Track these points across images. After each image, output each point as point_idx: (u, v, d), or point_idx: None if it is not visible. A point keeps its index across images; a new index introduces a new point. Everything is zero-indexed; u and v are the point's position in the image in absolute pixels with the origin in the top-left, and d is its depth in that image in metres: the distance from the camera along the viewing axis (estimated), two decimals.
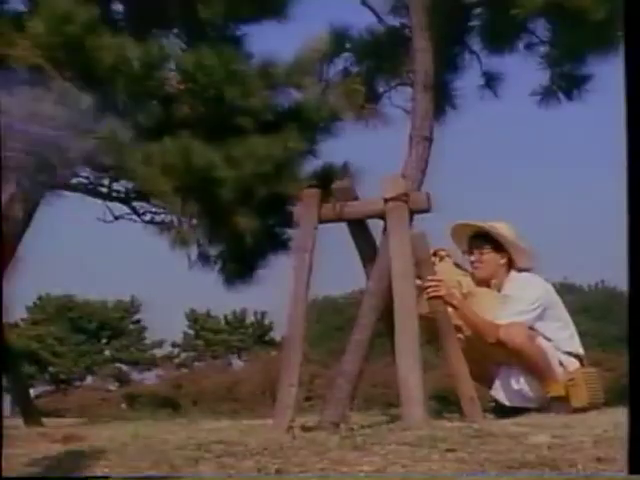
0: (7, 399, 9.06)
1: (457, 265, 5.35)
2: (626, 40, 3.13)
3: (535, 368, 5.06)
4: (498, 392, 5.23)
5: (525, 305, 5.14)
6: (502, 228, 5.34)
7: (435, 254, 5.24)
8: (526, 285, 5.24)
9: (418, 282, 4.93)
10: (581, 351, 5.26)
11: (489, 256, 5.30)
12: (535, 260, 5.36)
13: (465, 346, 5.01)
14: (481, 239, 5.33)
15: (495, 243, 5.30)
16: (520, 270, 5.31)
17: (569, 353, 5.21)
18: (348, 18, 7.13)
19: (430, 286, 4.92)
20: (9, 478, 3.60)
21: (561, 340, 5.19)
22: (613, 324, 36.53)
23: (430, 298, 4.92)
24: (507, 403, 5.17)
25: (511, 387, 5.18)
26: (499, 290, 5.30)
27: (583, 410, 5.01)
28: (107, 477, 3.66)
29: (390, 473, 3.47)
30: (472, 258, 5.34)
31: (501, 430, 4.11)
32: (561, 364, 5.14)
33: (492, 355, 5.15)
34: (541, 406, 5.09)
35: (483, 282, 5.34)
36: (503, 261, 5.31)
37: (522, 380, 5.14)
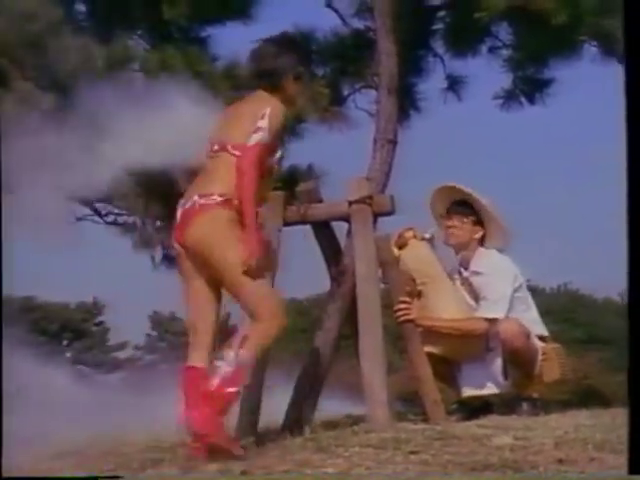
0: None
1: (424, 239, 5.20)
2: (626, 40, 3.17)
3: (525, 366, 5.07)
4: (466, 383, 5.22)
5: (504, 287, 5.09)
6: (487, 201, 5.27)
7: (400, 236, 5.19)
8: (500, 264, 5.19)
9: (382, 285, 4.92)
10: (545, 332, 5.27)
11: (467, 225, 5.22)
12: (510, 241, 5.30)
13: (435, 346, 5.03)
14: (463, 207, 5.24)
15: (476, 215, 5.23)
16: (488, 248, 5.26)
17: (537, 337, 5.22)
18: (313, 20, 7.16)
19: (400, 309, 4.84)
20: (9, 478, 3.58)
21: (529, 324, 5.18)
22: (576, 327, 36.85)
23: (401, 322, 4.85)
24: (475, 391, 5.16)
25: (480, 373, 5.15)
26: (466, 264, 5.27)
27: (555, 383, 5.10)
28: (108, 477, 3.67)
29: (354, 475, 3.48)
30: (449, 223, 5.24)
31: (464, 432, 4.13)
32: None
33: (464, 352, 5.16)
34: (508, 392, 5.11)
35: (455, 249, 5.28)
36: (478, 235, 5.24)
37: (494, 364, 5.12)
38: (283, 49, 4.26)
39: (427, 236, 5.22)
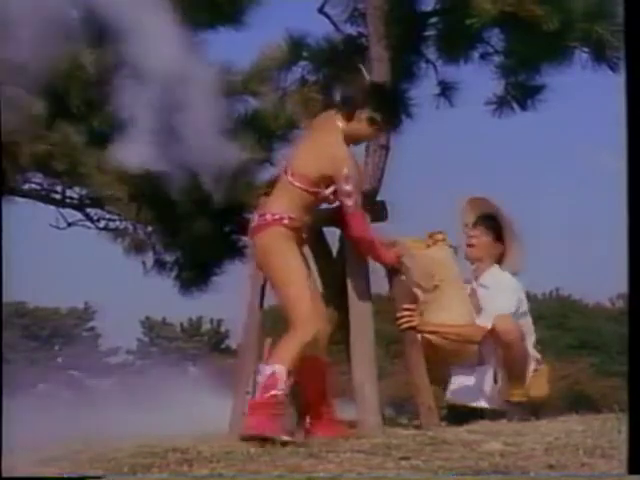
0: None
1: (451, 246, 5.31)
2: (626, 42, 3.18)
3: (516, 367, 5.11)
4: (455, 392, 5.26)
5: (507, 303, 5.17)
6: (512, 221, 5.37)
7: (430, 236, 5.25)
8: (508, 283, 5.28)
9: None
10: (538, 356, 5.33)
11: (487, 240, 5.33)
12: (524, 267, 5.40)
13: (430, 349, 5.05)
14: (490, 221, 5.35)
15: (499, 232, 5.33)
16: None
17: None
18: (305, 26, 7.15)
19: (404, 316, 4.78)
20: (9, 478, 3.59)
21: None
22: (568, 332, 36.90)
23: (403, 330, 4.80)
24: (464, 402, 5.20)
25: (470, 385, 5.21)
26: (477, 277, 5.33)
27: (541, 402, 5.10)
28: (103, 477, 3.70)
29: None
30: (471, 233, 5.36)
31: (455, 437, 4.13)
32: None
33: (458, 356, 5.19)
34: (497, 407, 5.13)
35: (471, 260, 5.39)
36: (496, 251, 5.34)
37: (485, 378, 5.17)
38: (372, 91, 4.64)
39: (454, 244, 5.32)
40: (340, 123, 4.49)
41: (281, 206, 4.44)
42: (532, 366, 5.20)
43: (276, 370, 4.23)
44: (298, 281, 4.40)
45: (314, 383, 4.56)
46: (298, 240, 4.47)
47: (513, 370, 5.12)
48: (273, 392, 4.21)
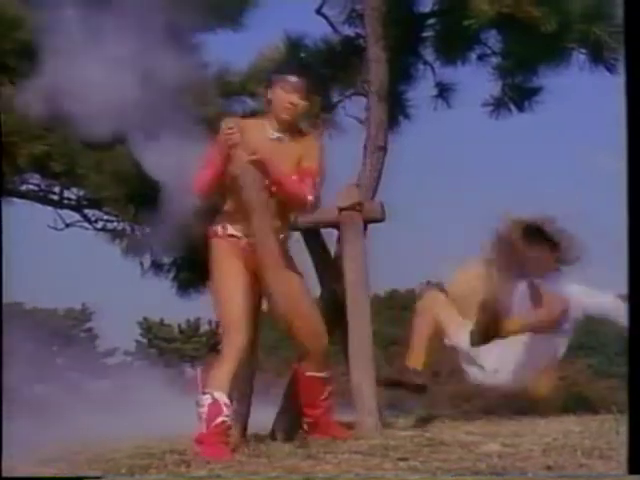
0: None
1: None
2: (626, 43, 3.18)
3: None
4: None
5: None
6: (555, 223, 5.20)
7: None
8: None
9: None
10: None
11: (549, 255, 5.13)
12: (581, 255, 5.21)
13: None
14: (537, 236, 5.13)
15: (551, 241, 5.12)
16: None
17: None
18: (303, 27, 7.14)
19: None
20: (9, 478, 3.59)
21: None
22: None
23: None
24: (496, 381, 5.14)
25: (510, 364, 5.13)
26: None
27: (544, 398, 5.09)
28: (102, 477, 3.70)
29: None
30: (531, 255, 5.09)
31: (453, 439, 4.14)
32: None
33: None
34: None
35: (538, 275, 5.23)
36: (555, 256, 5.16)
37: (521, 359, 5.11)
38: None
39: None
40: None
41: (225, 217, 4.46)
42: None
43: (216, 397, 4.11)
44: (226, 296, 4.34)
45: (310, 388, 4.57)
46: (238, 254, 4.38)
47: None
48: (219, 420, 4.09)
